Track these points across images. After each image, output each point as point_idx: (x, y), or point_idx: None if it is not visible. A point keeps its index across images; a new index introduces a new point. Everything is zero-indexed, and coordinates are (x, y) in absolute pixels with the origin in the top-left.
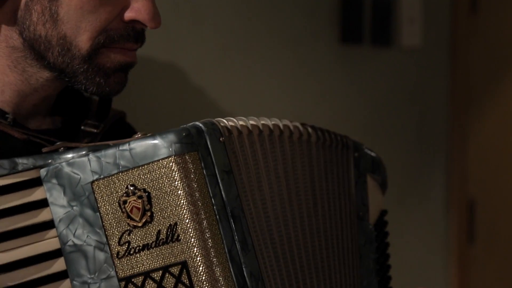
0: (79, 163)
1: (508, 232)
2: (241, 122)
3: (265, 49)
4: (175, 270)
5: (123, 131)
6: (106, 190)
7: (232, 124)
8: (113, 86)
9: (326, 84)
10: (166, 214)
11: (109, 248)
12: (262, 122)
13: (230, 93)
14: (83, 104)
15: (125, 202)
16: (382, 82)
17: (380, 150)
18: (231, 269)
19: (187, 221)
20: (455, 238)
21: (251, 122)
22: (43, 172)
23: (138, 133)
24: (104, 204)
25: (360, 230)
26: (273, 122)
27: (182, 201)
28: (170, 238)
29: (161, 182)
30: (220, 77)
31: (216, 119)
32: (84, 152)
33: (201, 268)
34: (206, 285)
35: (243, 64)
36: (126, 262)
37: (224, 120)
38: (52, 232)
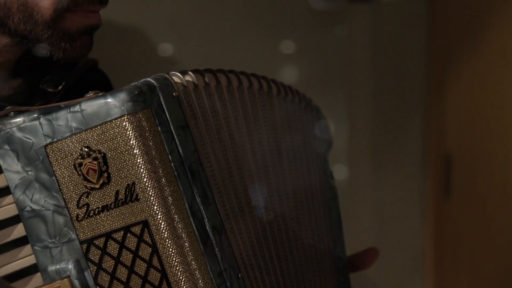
0: (31, 127)
1: (484, 187)
2: (197, 75)
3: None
4: (136, 229)
5: (95, 80)
6: (61, 154)
7: (188, 77)
8: (79, 50)
9: (303, 40)
10: (123, 174)
11: (68, 211)
12: (219, 74)
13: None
14: (46, 61)
15: (80, 164)
16: (360, 36)
17: (357, 104)
18: (193, 224)
19: (145, 179)
20: (431, 192)
21: (208, 74)
22: None
23: (90, 92)
24: (60, 168)
25: (327, 186)
26: (231, 74)
27: (138, 160)
28: (129, 198)
29: (115, 142)
30: None
31: (170, 72)
32: (35, 116)
33: (162, 226)
34: (168, 242)
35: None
36: (87, 225)
37: (178, 74)
38: (9, 198)
